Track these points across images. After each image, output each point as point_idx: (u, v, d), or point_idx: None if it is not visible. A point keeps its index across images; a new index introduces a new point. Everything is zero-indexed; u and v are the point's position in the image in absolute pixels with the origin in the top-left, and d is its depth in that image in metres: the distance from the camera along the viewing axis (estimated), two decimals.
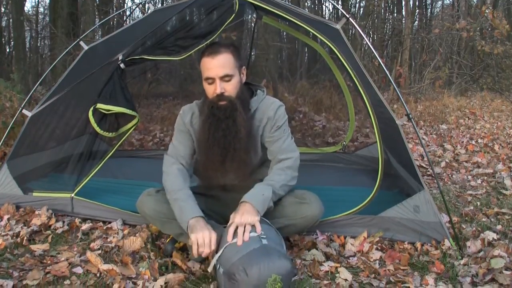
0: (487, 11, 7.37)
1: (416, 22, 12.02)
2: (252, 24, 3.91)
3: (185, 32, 2.14)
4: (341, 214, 2.04)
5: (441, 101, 7.52)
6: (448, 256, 1.83)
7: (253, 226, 1.56)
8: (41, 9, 13.52)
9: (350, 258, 1.84)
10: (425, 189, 1.95)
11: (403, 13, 10.07)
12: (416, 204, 1.96)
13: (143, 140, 4.47)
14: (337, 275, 1.68)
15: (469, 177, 3.19)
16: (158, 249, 1.91)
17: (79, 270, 1.69)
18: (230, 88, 1.72)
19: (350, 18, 2.13)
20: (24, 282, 1.59)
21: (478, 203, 2.58)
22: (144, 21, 2.37)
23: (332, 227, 2.04)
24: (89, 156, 2.32)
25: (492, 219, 2.30)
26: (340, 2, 9.70)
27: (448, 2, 14.57)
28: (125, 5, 10.50)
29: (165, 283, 1.58)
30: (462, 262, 1.77)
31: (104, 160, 2.29)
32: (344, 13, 2.15)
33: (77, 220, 2.20)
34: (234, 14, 2.14)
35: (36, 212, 2.22)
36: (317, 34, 2.09)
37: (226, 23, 2.14)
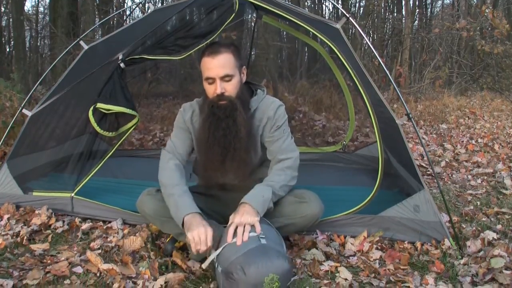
0: (487, 11, 7.37)
1: (416, 21, 12.03)
2: (252, 24, 3.92)
3: (185, 31, 2.14)
4: (341, 213, 2.04)
5: (441, 101, 7.52)
6: (448, 255, 1.83)
7: (252, 226, 1.56)
8: (41, 9, 13.54)
9: (350, 257, 1.84)
10: (425, 189, 1.95)
11: (403, 12, 10.09)
12: (416, 203, 1.96)
13: (143, 140, 4.47)
14: (337, 274, 1.68)
15: (469, 176, 3.20)
16: (158, 248, 1.91)
17: (79, 269, 1.69)
18: (231, 88, 1.72)
19: (350, 18, 2.13)
20: (24, 282, 1.59)
21: (478, 203, 2.58)
22: (144, 20, 2.37)
23: (332, 227, 2.04)
24: (89, 156, 2.32)
25: (492, 219, 2.30)
26: (340, 2, 9.68)
27: (448, 1, 14.59)
28: (125, 4, 10.50)
29: (165, 282, 1.58)
30: (462, 261, 1.77)
31: (104, 160, 2.29)
32: (344, 12, 2.15)
33: (77, 220, 2.20)
34: (234, 14, 2.13)
35: (36, 212, 2.22)
36: (317, 34, 2.09)
37: (226, 23, 2.14)
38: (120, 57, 2.13)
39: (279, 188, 1.75)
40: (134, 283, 1.61)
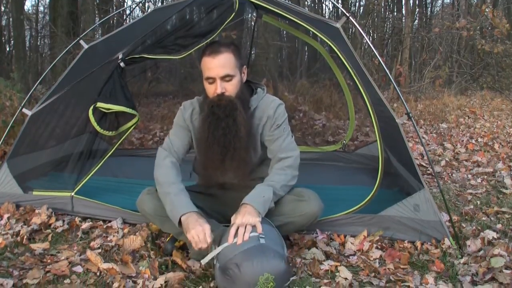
0: (487, 10, 7.38)
1: (416, 21, 12.02)
2: (252, 23, 3.92)
3: (185, 31, 2.14)
4: (341, 213, 2.04)
5: (441, 100, 7.52)
6: (448, 255, 1.83)
7: (254, 227, 1.55)
8: (41, 8, 13.54)
9: (350, 257, 1.84)
10: (425, 188, 1.95)
11: (403, 12, 10.09)
12: (416, 203, 1.96)
13: (143, 139, 4.47)
14: (337, 274, 1.68)
15: (469, 176, 3.20)
16: (158, 248, 1.91)
17: (79, 269, 1.69)
18: (231, 88, 1.72)
19: (350, 17, 2.13)
20: (24, 281, 1.59)
21: (478, 202, 2.58)
22: (144, 20, 2.37)
23: (332, 226, 2.04)
24: (89, 155, 2.32)
25: (492, 218, 2.30)
26: (340, 1, 9.69)
27: (448, 1, 14.57)
28: (125, 4, 10.51)
29: (165, 282, 1.58)
30: (462, 261, 1.77)
31: (104, 159, 2.29)
32: (344, 12, 2.15)
33: (77, 219, 2.20)
34: (234, 13, 2.13)
35: (36, 211, 2.22)
36: (317, 33, 2.09)
37: (226, 22, 2.14)
38: (120, 56, 2.13)
39: (280, 188, 1.75)
40: (134, 282, 1.61)
